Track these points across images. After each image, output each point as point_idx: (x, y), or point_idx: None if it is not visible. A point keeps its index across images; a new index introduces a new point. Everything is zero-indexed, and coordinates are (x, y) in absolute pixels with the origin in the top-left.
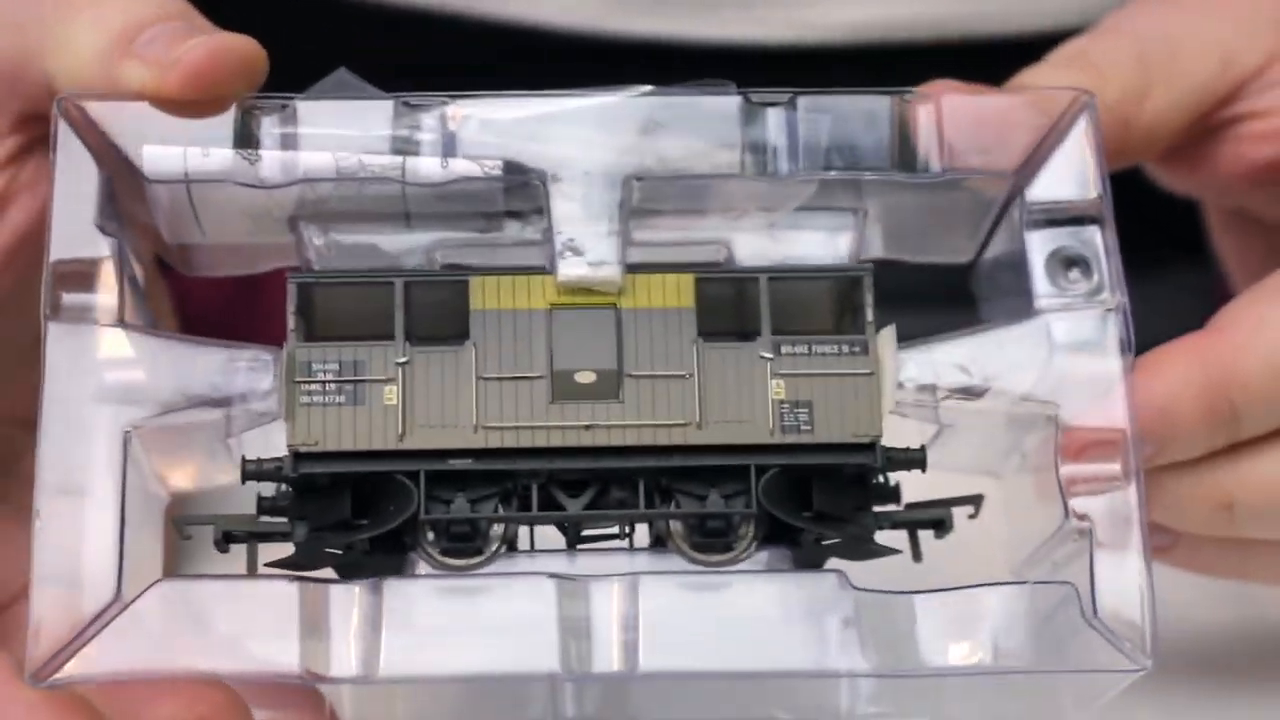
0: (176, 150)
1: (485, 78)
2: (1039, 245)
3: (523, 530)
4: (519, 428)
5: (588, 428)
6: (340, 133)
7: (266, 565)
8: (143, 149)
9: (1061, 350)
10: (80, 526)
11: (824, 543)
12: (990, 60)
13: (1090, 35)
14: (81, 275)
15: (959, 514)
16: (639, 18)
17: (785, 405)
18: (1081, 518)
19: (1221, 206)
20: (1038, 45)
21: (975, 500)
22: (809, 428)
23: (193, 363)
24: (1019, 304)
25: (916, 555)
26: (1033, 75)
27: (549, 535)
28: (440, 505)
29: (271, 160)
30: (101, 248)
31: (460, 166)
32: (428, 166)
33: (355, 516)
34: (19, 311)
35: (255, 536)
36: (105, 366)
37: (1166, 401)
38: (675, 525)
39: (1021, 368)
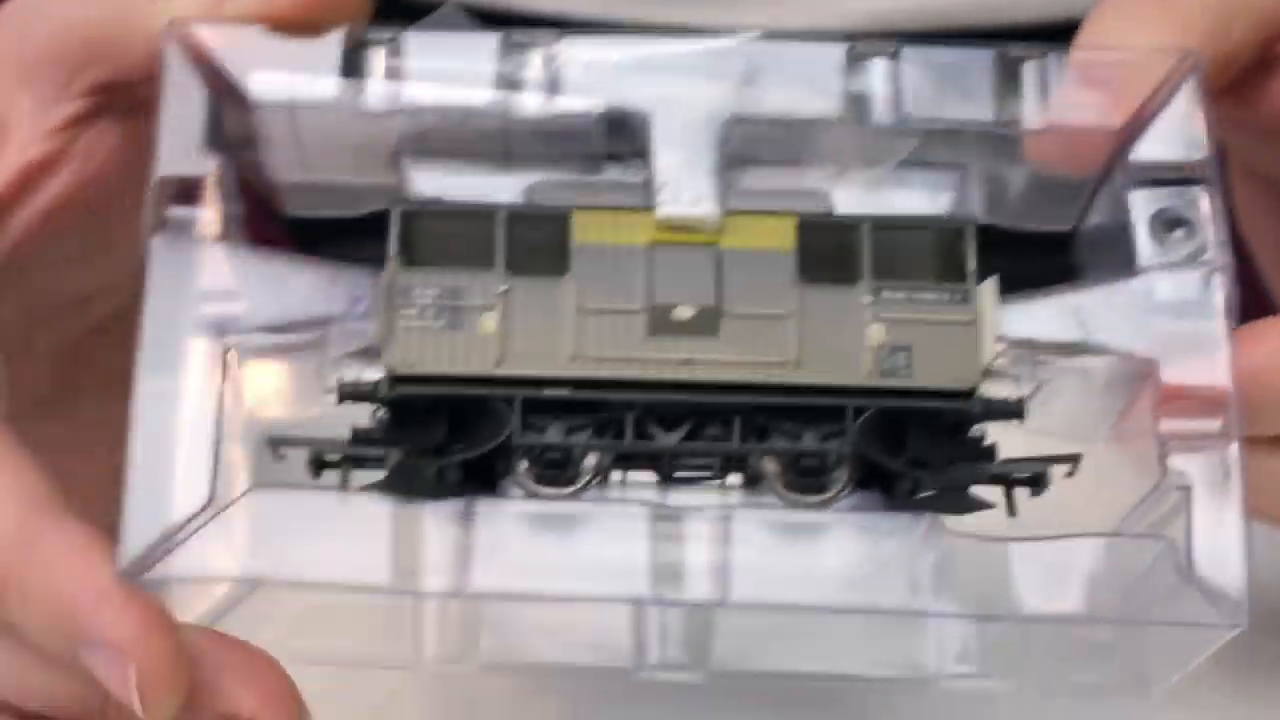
0: (284, 76)
1: None
2: (1142, 205)
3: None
4: (615, 359)
5: (684, 362)
6: (446, 65)
7: (360, 489)
8: (250, 75)
9: (1164, 310)
10: (175, 433)
11: (918, 495)
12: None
13: None
14: (186, 192)
15: (1056, 474)
16: (654, 6)
17: (884, 349)
18: (1180, 475)
19: (1249, 163)
20: (1065, 32)
21: (1073, 459)
22: (907, 372)
23: (293, 283)
24: (1121, 268)
25: (1011, 510)
26: (1113, 26)
27: (641, 475)
28: (535, 433)
29: (376, 90)
30: (207, 166)
31: (563, 104)
32: (531, 103)
33: (450, 442)
34: (52, 266)
35: (349, 461)
36: (206, 281)
37: (1261, 370)
38: (769, 464)
39: (1122, 327)
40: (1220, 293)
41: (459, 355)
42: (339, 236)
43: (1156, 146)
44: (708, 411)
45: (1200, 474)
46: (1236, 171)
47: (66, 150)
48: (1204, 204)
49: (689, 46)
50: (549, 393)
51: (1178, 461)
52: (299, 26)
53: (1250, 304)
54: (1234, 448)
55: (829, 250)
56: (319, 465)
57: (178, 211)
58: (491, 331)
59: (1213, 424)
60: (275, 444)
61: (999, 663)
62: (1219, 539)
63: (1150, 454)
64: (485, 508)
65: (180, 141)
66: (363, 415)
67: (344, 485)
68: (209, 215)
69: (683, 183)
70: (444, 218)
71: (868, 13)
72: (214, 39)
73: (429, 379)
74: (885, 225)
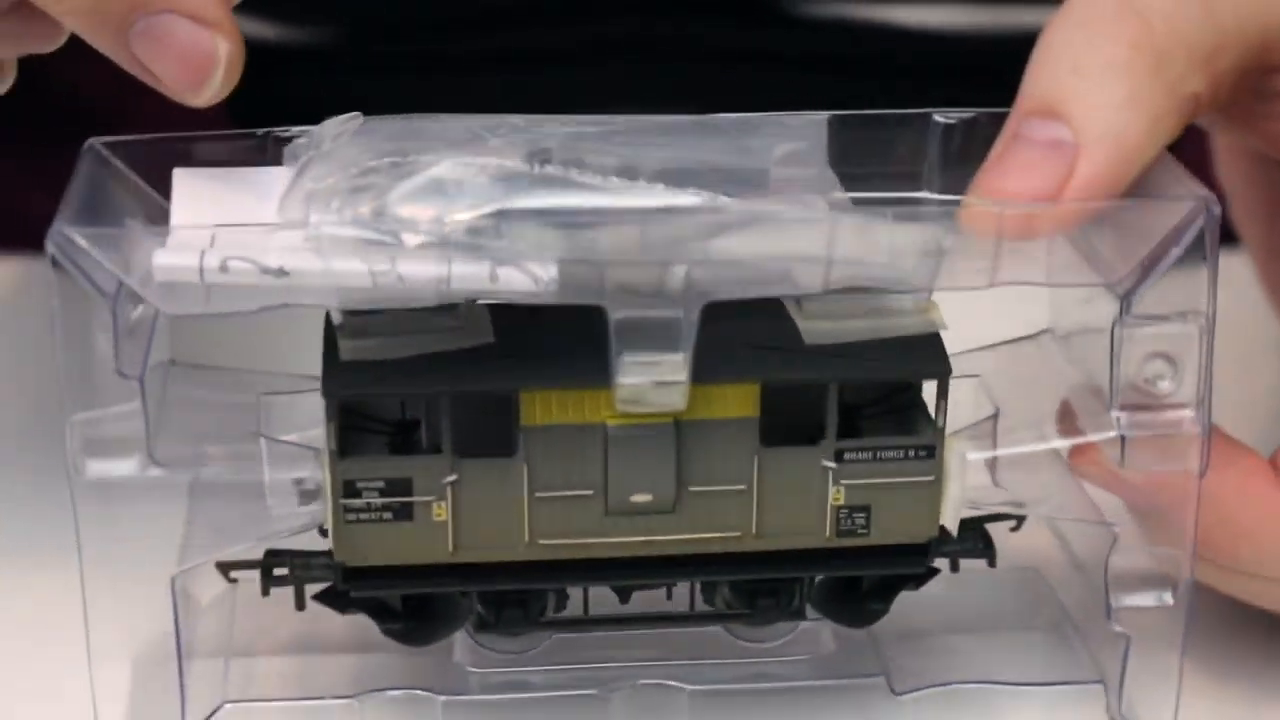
0: (191, 261)
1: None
2: (1132, 343)
3: (575, 594)
4: (572, 543)
5: (642, 541)
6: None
7: (313, 598)
8: (154, 256)
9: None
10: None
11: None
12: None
13: None
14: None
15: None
16: None
17: (844, 510)
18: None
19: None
20: None
21: (1018, 517)
22: (865, 531)
23: (225, 509)
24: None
25: (955, 567)
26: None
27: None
28: (491, 607)
29: (299, 275)
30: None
31: (513, 280)
32: (474, 276)
33: (405, 619)
34: None
35: (300, 577)
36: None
37: None
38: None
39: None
40: (1195, 453)
41: (411, 545)
42: None
43: (1156, 295)
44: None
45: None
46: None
47: None
48: (1193, 354)
49: (641, 204)
50: (506, 585)
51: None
52: None
53: None
54: (1180, 616)
55: (792, 419)
56: (269, 578)
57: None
58: (443, 519)
59: (1166, 597)
60: (224, 568)
61: None
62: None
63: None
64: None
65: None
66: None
67: (300, 599)
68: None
69: (645, 364)
70: (378, 423)
71: None
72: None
73: (381, 570)
74: (852, 384)
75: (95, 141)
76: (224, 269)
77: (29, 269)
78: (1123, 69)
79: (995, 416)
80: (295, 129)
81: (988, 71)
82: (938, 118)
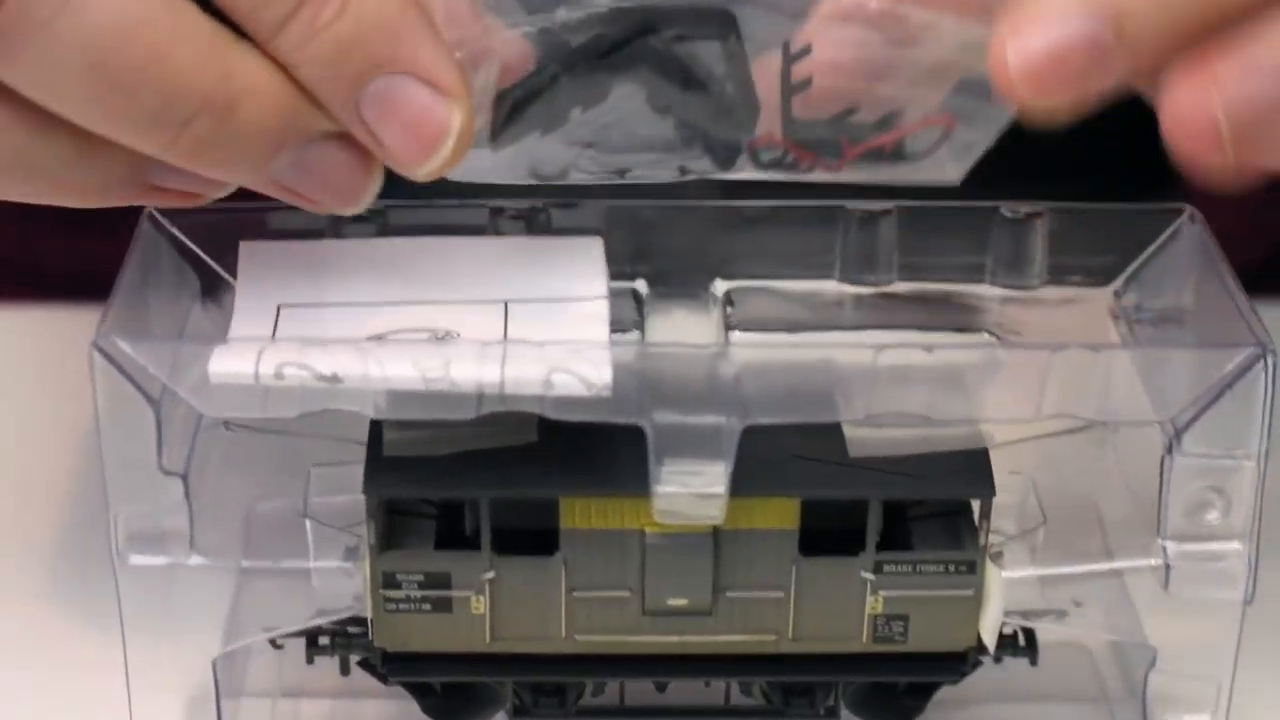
0: (246, 368)
1: None
2: (1181, 479)
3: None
4: (608, 639)
5: (679, 641)
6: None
7: (358, 664)
8: (210, 362)
9: (1180, 587)
10: None
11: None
12: None
13: None
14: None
15: None
16: None
17: (881, 618)
18: None
19: None
20: None
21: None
22: (903, 638)
23: (271, 590)
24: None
25: (998, 659)
26: None
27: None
28: (529, 693)
29: (352, 380)
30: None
31: (568, 385)
32: (529, 381)
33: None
34: None
35: (341, 641)
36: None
37: None
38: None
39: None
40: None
41: (449, 635)
42: None
43: (1207, 435)
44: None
45: None
46: None
47: None
48: (1244, 490)
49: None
50: (543, 678)
51: None
52: None
53: None
54: None
55: (832, 526)
56: (314, 648)
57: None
58: (481, 612)
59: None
60: (273, 641)
61: None
62: None
63: None
64: None
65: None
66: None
67: (344, 666)
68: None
69: (684, 475)
70: (425, 505)
71: None
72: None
73: (420, 656)
74: (893, 500)
75: (154, 210)
76: (279, 375)
77: (45, 318)
78: None
79: (1041, 527)
80: None
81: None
82: (1004, 211)
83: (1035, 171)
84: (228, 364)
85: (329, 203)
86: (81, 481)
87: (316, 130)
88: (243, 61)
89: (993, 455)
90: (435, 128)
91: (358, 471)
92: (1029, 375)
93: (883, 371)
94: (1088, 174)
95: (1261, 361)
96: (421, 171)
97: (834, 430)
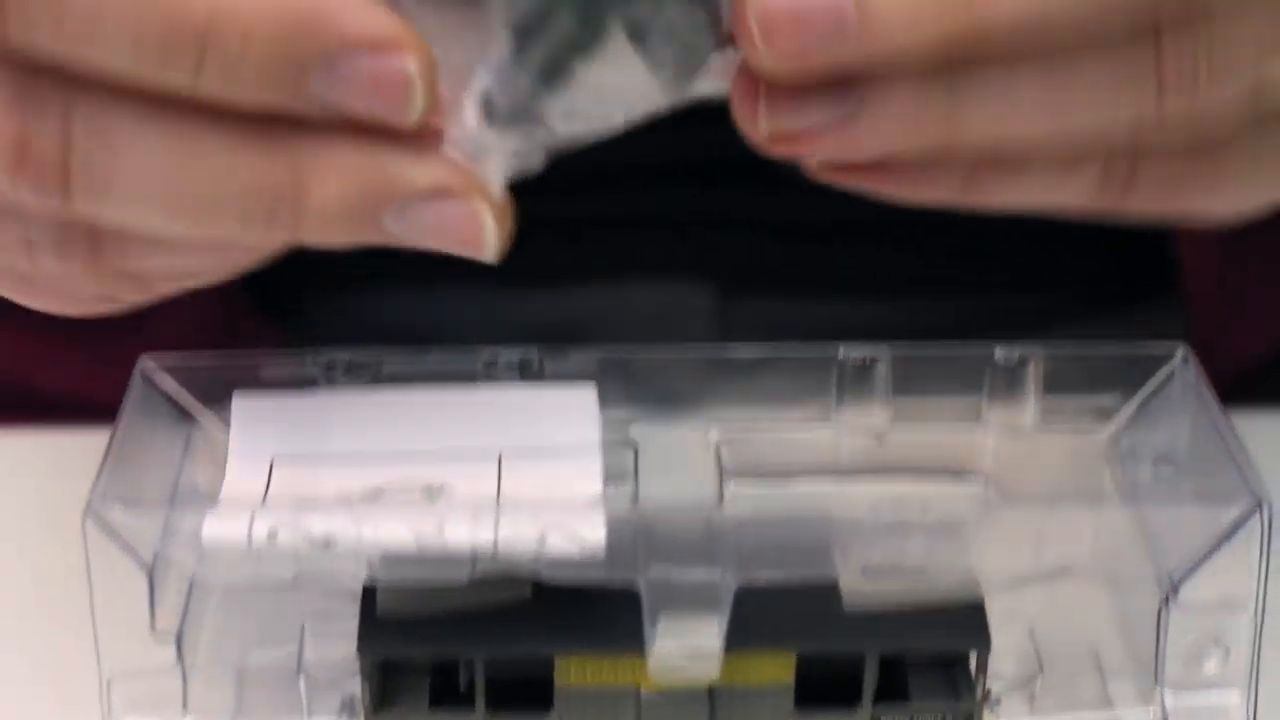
0: (239, 532)
1: None
2: (1179, 627)
3: None
4: None
5: None
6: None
7: None
8: (203, 526)
9: None
10: None
11: None
12: None
13: None
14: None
15: None
16: None
17: None
18: None
19: None
20: None
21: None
22: None
23: None
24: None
25: None
26: None
27: None
28: None
29: (346, 543)
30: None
31: (561, 547)
32: (522, 540)
33: None
34: None
35: None
36: None
37: None
38: None
39: None
40: None
41: None
42: None
43: (1207, 577)
44: None
45: None
46: None
47: None
48: (1242, 640)
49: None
50: None
51: None
52: None
53: None
54: None
55: (828, 678)
56: None
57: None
58: None
59: None
60: None
61: None
62: None
63: None
64: None
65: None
66: None
67: None
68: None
69: (681, 635)
70: (418, 663)
71: None
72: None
73: None
74: (891, 655)
75: (148, 360)
76: (272, 538)
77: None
78: None
79: (1038, 676)
80: (349, 353)
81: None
82: (997, 355)
83: (1029, 279)
84: (221, 529)
85: (380, 109)
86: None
87: (402, 190)
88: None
89: (990, 600)
90: (394, 79)
91: (352, 625)
92: (1025, 528)
93: (879, 526)
94: (1078, 280)
95: (1257, 514)
96: (410, 121)
97: (829, 582)
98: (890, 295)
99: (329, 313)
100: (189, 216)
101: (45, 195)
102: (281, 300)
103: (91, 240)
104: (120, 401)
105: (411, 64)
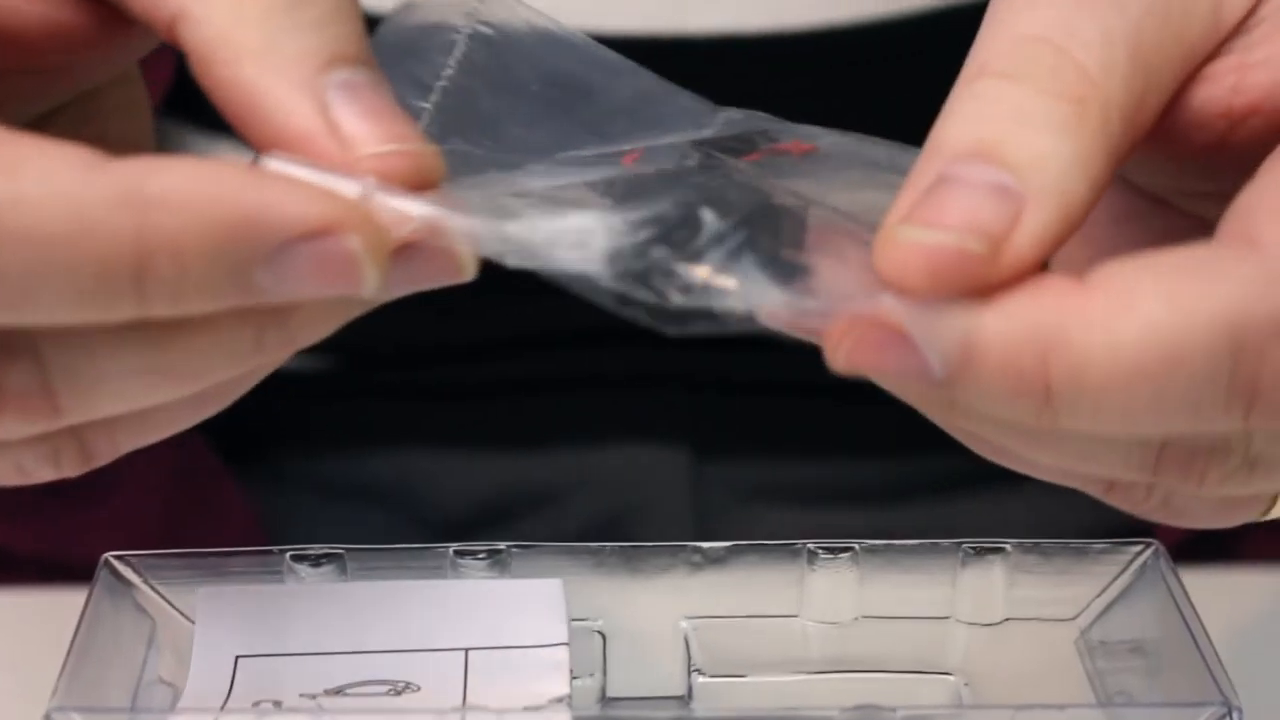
0: None
1: None
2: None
3: None
4: None
5: None
6: None
7: None
8: None
9: None
10: None
11: None
12: None
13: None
14: None
15: None
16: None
17: None
18: None
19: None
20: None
21: None
22: None
23: None
24: None
25: None
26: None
27: None
28: None
29: None
30: None
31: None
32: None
33: None
34: None
35: None
36: None
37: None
38: None
39: None
40: None
41: None
42: None
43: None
44: None
45: None
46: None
47: None
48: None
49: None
50: None
51: None
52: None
53: None
54: None
55: None
56: None
57: None
58: None
59: None
60: None
61: None
62: None
63: None
64: None
65: None
66: None
67: None
68: None
69: None
70: None
71: None
72: None
73: None
74: None
75: (111, 557)
76: None
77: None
78: (1071, 125)
79: None
80: (314, 548)
81: None
82: (966, 548)
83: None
84: None
85: (331, 291)
86: None
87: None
88: None
89: None
90: (340, 261)
91: None
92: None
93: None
94: None
95: (1228, 718)
96: (370, 292)
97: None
98: (864, 453)
99: (299, 473)
100: (185, 386)
101: (35, 425)
102: (249, 460)
103: (76, 434)
104: (86, 560)
105: (354, 241)
